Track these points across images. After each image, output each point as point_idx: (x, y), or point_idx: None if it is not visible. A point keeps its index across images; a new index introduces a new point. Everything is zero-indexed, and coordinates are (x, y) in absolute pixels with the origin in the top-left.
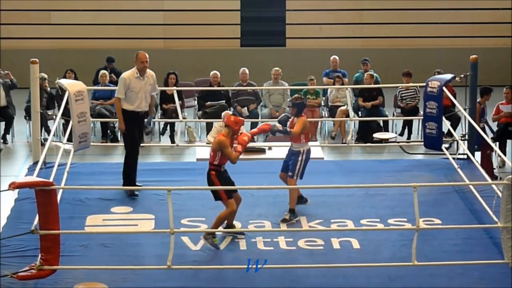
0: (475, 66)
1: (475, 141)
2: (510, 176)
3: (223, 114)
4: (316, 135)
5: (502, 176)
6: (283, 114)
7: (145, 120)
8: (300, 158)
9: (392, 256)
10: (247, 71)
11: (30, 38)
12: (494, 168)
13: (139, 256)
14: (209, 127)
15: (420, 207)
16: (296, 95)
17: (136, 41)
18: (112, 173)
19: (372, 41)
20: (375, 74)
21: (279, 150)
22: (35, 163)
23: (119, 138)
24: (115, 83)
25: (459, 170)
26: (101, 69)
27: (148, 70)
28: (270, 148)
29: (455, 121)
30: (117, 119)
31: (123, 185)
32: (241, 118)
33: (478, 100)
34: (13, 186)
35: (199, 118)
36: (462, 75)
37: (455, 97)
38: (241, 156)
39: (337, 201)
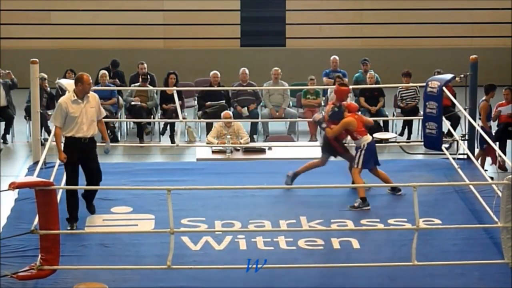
0: (475, 66)
1: (480, 141)
2: (510, 176)
3: (222, 114)
4: (316, 135)
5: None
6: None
7: (105, 149)
8: (359, 152)
9: (392, 256)
10: (247, 71)
11: (30, 38)
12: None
13: (139, 256)
14: (209, 127)
15: (420, 207)
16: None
17: (136, 41)
18: (112, 173)
19: (372, 41)
20: (375, 74)
21: (279, 150)
22: (35, 163)
23: (119, 139)
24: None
25: (459, 170)
26: (103, 69)
27: (90, 93)
28: (270, 148)
29: (455, 121)
30: (117, 119)
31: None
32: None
33: (484, 98)
34: (13, 186)
35: (199, 118)
36: (462, 75)
37: (455, 97)
38: (241, 156)
39: (337, 201)
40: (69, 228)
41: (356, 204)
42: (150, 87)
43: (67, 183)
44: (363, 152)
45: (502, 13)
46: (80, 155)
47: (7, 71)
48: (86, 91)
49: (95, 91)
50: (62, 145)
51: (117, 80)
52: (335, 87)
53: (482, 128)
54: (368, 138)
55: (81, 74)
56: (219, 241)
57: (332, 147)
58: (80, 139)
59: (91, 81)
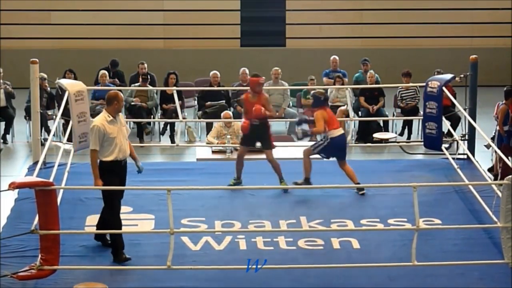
0: (475, 66)
1: (497, 144)
2: (510, 176)
3: (222, 114)
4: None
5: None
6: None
7: (138, 169)
8: (321, 142)
9: (392, 256)
10: (247, 71)
11: (30, 38)
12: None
13: (139, 256)
14: (209, 127)
15: (420, 207)
16: (319, 91)
17: (136, 41)
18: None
19: (372, 41)
20: (375, 74)
21: (279, 150)
22: (35, 163)
23: None
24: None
25: (459, 170)
26: (103, 69)
27: None
28: None
29: (455, 121)
30: None
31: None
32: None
33: (503, 102)
34: (13, 186)
35: (199, 118)
36: (462, 75)
37: (455, 97)
38: None
39: (337, 201)
40: (116, 261)
41: (299, 182)
42: (150, 87)
43: (109, 216)
44: (327, 141)
45: (502, 13)
46: (120, 180)
47: (4, 84)
48: (120, 109)
49: (95, 91)
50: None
51: (116, 80)
52: (248, 79)
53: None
54: (335, 132)
55: (116, 92)
56: (219, 241)
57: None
58: (120, 162)
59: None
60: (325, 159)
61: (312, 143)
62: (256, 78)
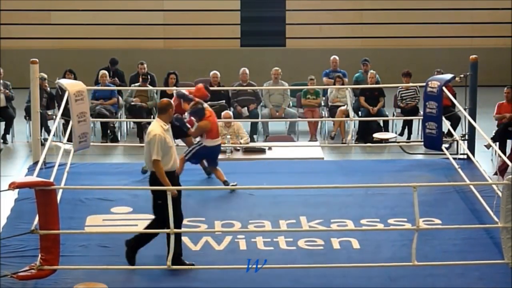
0: (475, 66)
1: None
2: (510, 176)
3: (222, 114)
4: (316, 135)
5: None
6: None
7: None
8: (195, 146)
9: (392, 256)
10: (247, 71)
11: (30, 38)
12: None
13: (139, 256)
14: None
15: (420, 207)
16: (193, 102)
17: (136, 41)
18: (112, 173)
19: (372, 41)
20: (376, 74)
21: (279, 150)
22: (35, 163)
23: (119, 139)
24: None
25: (459, 170)
26: (103, 69)
27: None
28: (270, 148)
29: (455, 121)
30: (117, 119)
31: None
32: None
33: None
34: (13, 186)
35: None
36: (462, 75)
37: (455, 97)
38: (241, 156)
39: (337, 201)
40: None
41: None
42: (150, 87)
43: (171, 225)
44: (199, 147)
45: (502, 13)
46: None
47: (2, 91)
48: (172, 117)
49: (95, 91)
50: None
51: (116, 80)
52: (200, 86)
53: None
54: (214, 142)
55: (169, 100)
56: (219, 241)
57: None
58: (174, 171)
59: None
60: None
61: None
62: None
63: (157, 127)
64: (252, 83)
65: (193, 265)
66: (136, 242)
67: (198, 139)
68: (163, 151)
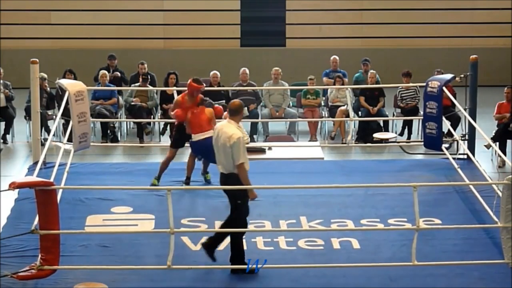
0: (475, 66)
1: None
2: (510, 176)
3: (224, 114)
4: (316, 135)
5: (501, 176)
6: None
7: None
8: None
9: (392, 256)
10: (247, 71)
11: (30, 38)
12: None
13: (139, 256)
14: None
15: (420, 207)
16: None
17: (136, 41)
18: (112, 173)
19: (372, 41)
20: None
21: (279, 150)
22: (35, 163)
23: (119, 139)
24: (118, 80)
25: (459, 170)
26: (103, 68)
27: None
28: (270, 148)
29: (455, 121)
30: (117, 119)
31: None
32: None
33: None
34: (13, 186)
35: None
36: (462, 75)
37: (455, 97)
38: None
39: (337, 201)
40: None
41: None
42: (150, 87)
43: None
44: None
45: (502, 13)
46: None
47: (3, 91)
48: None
49: (95, 91)
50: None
51: (117, 73)
52: (189, 82)
53: None
54: (196, 136)
55: (240, 102)
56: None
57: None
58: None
59: None
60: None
61: None
62: (196, 85)
63: (236, 129)
64: (252, 83)
65: (261, 270)
66: (213, 241)
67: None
68: (245, 153)
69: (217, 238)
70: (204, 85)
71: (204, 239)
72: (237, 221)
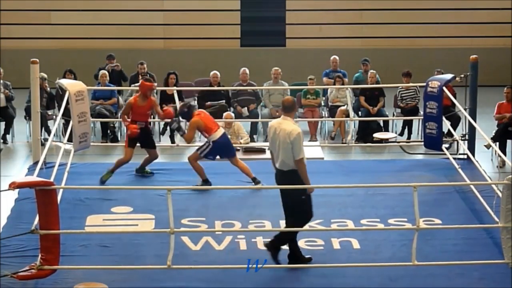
0: (475, 66)
1: None
2: (510, 176)
3: (224, 115)
4: (316, 135)
5: (502, 176)
6: (174, 123)
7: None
8: (205, 146)
9: (392, 256)
10: (247, 71)
11: (30, 38)
12: (501, 166)
13: (139, 256)
14: None
15: (420, 207)
16: (182, 104)
17: (136, 41)
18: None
19: (372, 41)
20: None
21: None
22: (35, 163)
23: (119, 139)
24: (116, 76)
25: (459, 170)
26: (103, 68)
27: None
28: None
29: (455, 121)
30: (117, 119)
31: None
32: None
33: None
34: (13, 186)
35: None
36: (462, 75)
37: (455, 97)
38: (241, 156)
39: (337, 201)
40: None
41: (198, 184)
42: None
43: (303, 219)
44: (210, 145)
45: (502, 13)
46: None
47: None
48: None
49: (95, 91)
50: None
51: (118, 64)
52: (140, 82)
53: None
54: (216, 134)
55: (293, 98)
56: (219, 241)
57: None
58: None
59: None
60: (216, 160)
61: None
62: (149, 83)
63: (294, 125)
64: (252, 83)
65: (311, 259)
66: (278, 242)
67: (205, 140)
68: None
69: (281, 239)
70: (156, 84)
71: (265, 240)
72: (303, 214)
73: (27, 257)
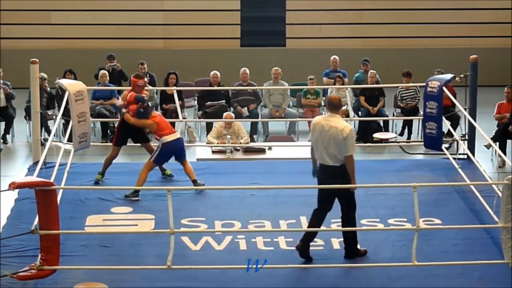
0: (475, 66)
1: None
2: (510, 176)
3: (224, 115)
4: None
5: (501, 176)
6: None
7: None
8: (157, 148)
9: (392, 256)
10: (247, 71)
11: (30, 38)
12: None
13: (139, 256)
14: (209, 127)
15: (420, 207)
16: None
17: (136, 41)
18: (112, 173)
19: (372, 41)
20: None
21: (279, 150)
22: (35, 163)
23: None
24: (117, 76)
25: (459, 170)
26: (103, 68)
27: None
28: (270, 148)
29: (455, 121)
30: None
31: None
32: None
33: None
34: (13, 186)
35: (199, 118)
36: (462, 75)
37: (455, 97)
38: (241, 156)
39: (337, 201)
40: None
41: (128, 194)
42: (150, 87)
43: (352, 213)
44: (159, 149)
45: (502, 13)
46: None
47: (3, 87)
48: None
49: (94, 91)
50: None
51: (118, 65)
52: (132, 78)
53: None
54: (167, 138)
55: (339, 97)
56: (219, 241)
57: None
58: None
59: None
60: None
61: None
62: (134, 78)
63: (344, 122)
64: (252, 83)
65: (366, 252)
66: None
67: (157, 143)
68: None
69: (309, 234)
70: (146, 79)
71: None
72: (352, 207)
73: (27, 257)
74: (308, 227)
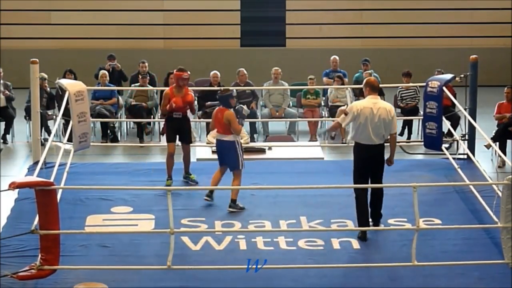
0: (475, 66)
1: None
2: (510, 176)
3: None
4: (316, 135)
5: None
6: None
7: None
8: (237, 149)
9: (392, 256)
10: (245, 71)
11: (30, 38)
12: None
13: (139, 256)
14: (209, 127)
15: (420, 207)
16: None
17: (136, 41)
18: (112, 173)
19: (372, 41)
20: (375, 74)
21: (279, 150)
22: (35, 163)
23: (119, 139)
24: (117, 76)
25: (459, 170)
26: (103, 68)
27: None
28: (270, 148)
29: (455, 121)
30: (117, 119)
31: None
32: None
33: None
34: (13, 186)
35: (199, 118)
36: (462, 75)
37: (455, 97)
38: None
39: (337, 201)
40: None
41: (231, 209)
42: (150, 87)
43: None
44: (242, 152)
45: (502, 13)
46: None
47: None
48: None
49: (94, 91)
50: None
51: (118, 65)
52: (175, 73)
53: None
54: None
55: (375, 78)
56: (219, 241)
57: None
58: None
59: None
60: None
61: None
62: (178, 72)
63: (387, 102)
64: (249, 82)
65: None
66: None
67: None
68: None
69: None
70: (189, 72)
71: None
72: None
73: (27, 257)
74: (358, 210)
